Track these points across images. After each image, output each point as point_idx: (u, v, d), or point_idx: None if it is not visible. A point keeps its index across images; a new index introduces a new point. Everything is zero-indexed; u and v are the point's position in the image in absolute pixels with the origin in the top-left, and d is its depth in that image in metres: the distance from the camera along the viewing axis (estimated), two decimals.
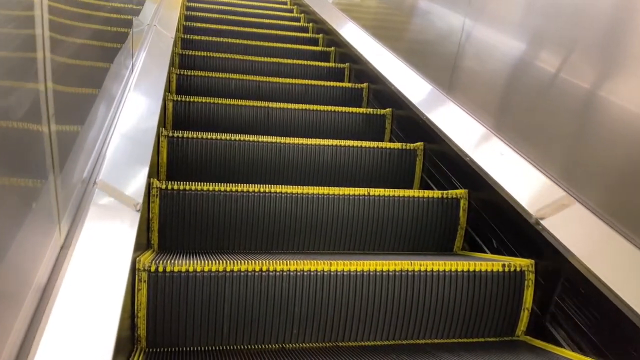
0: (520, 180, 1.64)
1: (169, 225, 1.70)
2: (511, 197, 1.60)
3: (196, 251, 1.70)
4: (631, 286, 1.20)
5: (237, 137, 2.10)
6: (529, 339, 1.47)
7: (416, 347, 1.39)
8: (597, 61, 1.46)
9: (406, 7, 2.94)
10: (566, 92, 1.54)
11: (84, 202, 1.21)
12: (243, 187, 1.75)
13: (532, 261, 1.50)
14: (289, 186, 1.79)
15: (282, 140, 2.14)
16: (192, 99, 2.44)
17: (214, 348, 1.31)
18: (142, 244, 1.51)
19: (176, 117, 2.42)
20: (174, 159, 2.04)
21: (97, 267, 1.02)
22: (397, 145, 2.27)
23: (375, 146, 2.23)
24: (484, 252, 1.77)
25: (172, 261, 1.32)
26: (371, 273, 1.40)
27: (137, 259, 1.28)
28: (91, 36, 1.50)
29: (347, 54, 3.46)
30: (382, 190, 1.85)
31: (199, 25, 3.97)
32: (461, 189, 1.92)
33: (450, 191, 1.91)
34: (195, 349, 1.30)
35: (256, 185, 1.77)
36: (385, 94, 2.73)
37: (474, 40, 2.12)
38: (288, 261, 1.37)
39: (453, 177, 2.00)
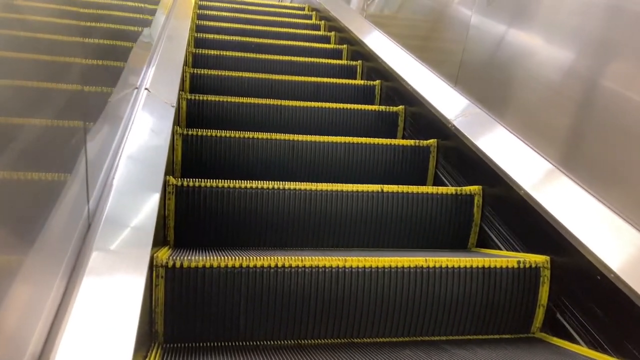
0: None
1: (184, 221, 1.72)
2: None
3: (212, 247, 1.72)
4: None
5: (251, 134, 2.11)
6: (544, 335, 1.47)
7: (431, 343, 1.39)
8: None
9: None
10: None
11: None
12: (257, 183, 1.76)
13: (548, 258, 1.49)
14: (302, 183, 1.80)
15: (296, 137, 2.15)
16: (205, 98, 2.45)
17: (230, 344, 1.32)
18: (159, 241, 1.53)
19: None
20: (188, 157, 2.06)
21: None
22: (410, 142, 2.27)
23: (389, 143, 2.23)
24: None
25: (189, 257, 1.33)
26: (386, 269, 1.41)
27: (155, 255, 1.30)
28: None
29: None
30: (395, 186, 1.86)
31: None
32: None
33: (464, 187, 1.90)
34: (212, 344, 1.32)
35: (270, 181, 1.78)
36: None
37: None
38: (303, 257, 1.37)
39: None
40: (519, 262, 1.49)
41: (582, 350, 1.32)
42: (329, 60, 3.41)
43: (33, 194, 0.83)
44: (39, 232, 0.82)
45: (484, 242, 1.86)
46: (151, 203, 1.34)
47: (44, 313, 0.82)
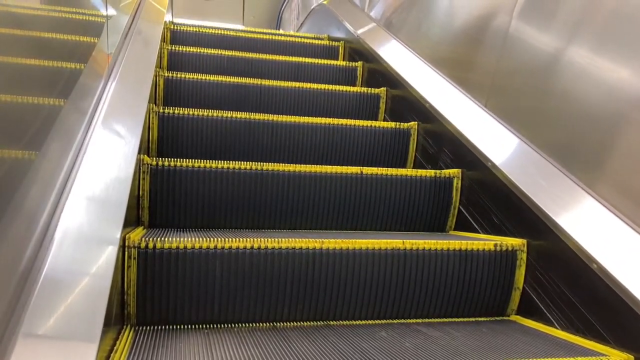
0: None
1: (159, 202, 1.68)
2: None
3: (187, 228, 1.69)
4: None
5: (229, 114, 2.07)
6: (519, 318, 1.48)
7: (407, 325, 1.39)
8: None
9: None
10: None
11: None
12: (234, 164, 1.73)
13: (525, 241, 1.50)
14: (281, 164, 1.77)
15: (275, 117, 2.11)
16: (183, 76, 2.40)
17: (204, 326, 1.30)
18: (132, 221, 1.49)
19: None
20: (164, 136, 2.01)
21: None
22: (391, 124, 2.25)
23: (369, 125, 2.21)
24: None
25: (162, 238, 1.30)
26: (362, 251, 1.39)
27: (127, 236, 1.26)
28: None
29: None
30: (375, 168, 1.84)
31: None
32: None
33: (443, 170, 1.90)
34: (186, 326, 1.29)
35: (248, 162, 1.75)
36: None
37: None
38: (279, 239, 1.36)
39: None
40: (495, 244, 1.49)
41: (556, 332, 1.33)
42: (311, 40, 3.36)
43: None
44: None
45: (463, 225, 1.86)
46: (124, 181, 1.30)
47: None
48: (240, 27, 9.13)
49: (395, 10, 2.89)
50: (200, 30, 3.22)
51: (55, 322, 0.82)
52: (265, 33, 3.41)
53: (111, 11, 1.80)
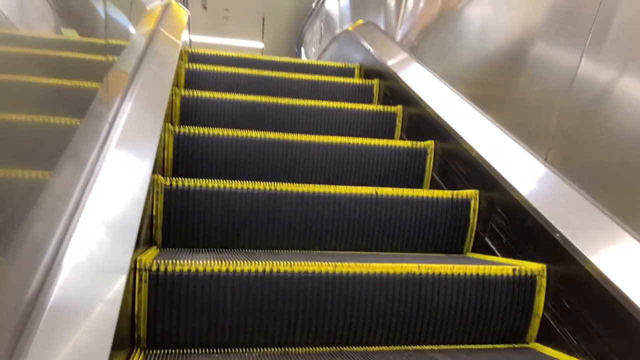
0: None
1: (173, 222, 1.67)
2: None
3: (200, 249, 1.68)
4: None
5: (244, 133, 2.06)
6: (539, 346, 1.43)
7: (422, 352, 1.35)
8: None
9: None
10: None
11: None
12: (249, 184, 1.72)
13: (544, 266, 1.45)
14: (295, 184, 1.76)
15: (290, 136, 2.10)
16: (199, 94, 2.41)
17: (215, 350, 1.28)
18: (145, 242, 1.49)
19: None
20: (180, 155, 2.02)
21: None
22: (407, 143, 2.22)
23: (385, 144, 2.19)
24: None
25: (174, 261, 1.29)
26: (377, 275, 1.37)
27: (139, 258, 1.26)
28: None
29: None
30: (390, 189, 1.82)
31: None
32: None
33: (460, 191, 1.86)
34: (196, 350, 1.28)
35: (261, 182, 1.73)
36: None
37: None
38: (292, 262, 1.33)
39: None
40: (514, 270, 1.44)
41: None
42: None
43: None
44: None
45: (480, 247, 1.82)
46: (136, 204, 1.29)
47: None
48: (260, 45, 9.20)
49: (433, 40, 2.68)
50: (219, 54, 3.26)
51: (61, 351, 0.81)
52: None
53: (119, 32, 1.81)
